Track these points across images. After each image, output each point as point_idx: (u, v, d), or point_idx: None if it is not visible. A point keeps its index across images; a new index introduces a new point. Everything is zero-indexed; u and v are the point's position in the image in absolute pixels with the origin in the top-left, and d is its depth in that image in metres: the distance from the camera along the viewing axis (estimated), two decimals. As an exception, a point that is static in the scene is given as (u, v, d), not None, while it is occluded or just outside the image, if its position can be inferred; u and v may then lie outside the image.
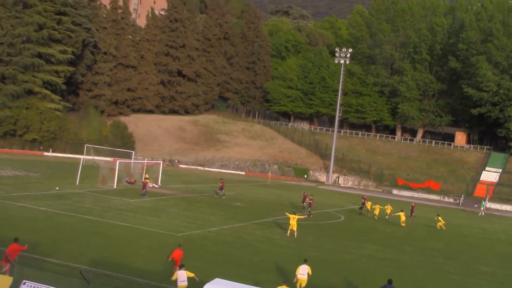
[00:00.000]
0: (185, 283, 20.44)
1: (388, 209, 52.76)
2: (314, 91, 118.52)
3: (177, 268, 22.21)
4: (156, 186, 57.37)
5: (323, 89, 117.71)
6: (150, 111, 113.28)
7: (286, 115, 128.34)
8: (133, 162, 67.07)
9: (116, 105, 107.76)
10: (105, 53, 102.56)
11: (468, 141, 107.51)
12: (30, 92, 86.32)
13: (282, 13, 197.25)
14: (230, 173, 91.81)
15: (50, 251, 25.35)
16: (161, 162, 66.83)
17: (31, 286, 16.71)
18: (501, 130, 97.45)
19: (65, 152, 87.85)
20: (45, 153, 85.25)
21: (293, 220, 36.11)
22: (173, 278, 20.53)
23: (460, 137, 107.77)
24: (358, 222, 48.68)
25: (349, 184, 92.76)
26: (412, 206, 56.95)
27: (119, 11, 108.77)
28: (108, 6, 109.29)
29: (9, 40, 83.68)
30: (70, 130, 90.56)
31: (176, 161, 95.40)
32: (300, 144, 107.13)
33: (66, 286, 17.26)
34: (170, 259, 23.82)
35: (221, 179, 59.08)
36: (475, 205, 74.94)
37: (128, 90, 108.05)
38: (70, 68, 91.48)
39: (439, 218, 49.77)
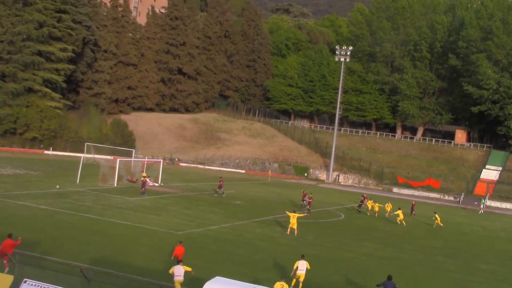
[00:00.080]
0: (181, 278, 20.66)
1: (388, 207, 52.79)
2: (314, 89, 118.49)
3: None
4: (156, 184, 57.41)
5: (324, 87, 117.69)
6: (151, 109, 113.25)
7: (287, 113, 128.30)
8: (134, 161, 67.17)
9: (117, 103, 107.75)
10: (105, 51, 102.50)
11: (468, 139, 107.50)
12: (30, 90, 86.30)
13: (283, 11, 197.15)
14: (230, 171, 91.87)
15: (50, 249, 25.40)
16: (162, 161, 66.88)
17: (32, 285, 16.76)
18: (501, 128, 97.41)
19: (65, 151, 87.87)
20: (46, 152, 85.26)
21: (293, 219, 36.17)
22: (170, 271, 20.74)
23: (460, 135, 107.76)
24: (358, 221, 48.73)
25: (350, 182, 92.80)
26: (413, 204, 56.98)
27: (120, 9, 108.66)
28: (109, 4, 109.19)
29: (9, 38, 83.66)
30: (70, 129, 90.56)
31: (176, 160, 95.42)
32: (300, 142, 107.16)
33: (67, 285, 17.31)
34: (173, 257, 24.00)
35: (220, 177, 59.15)
36: (475, 203, 75.03)
37: (129, 88, 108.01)
38: (71, 66, 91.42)
39: (436, 215, 49.86)
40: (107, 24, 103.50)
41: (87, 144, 79.56)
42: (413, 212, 55.41)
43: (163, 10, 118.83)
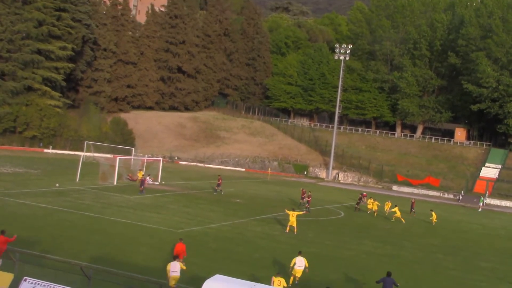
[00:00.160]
0: (177, 274, 20.86)
1: (387, 205, 52.70)
2: (314, 87, 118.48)
3: (180, 260, 22.66)
4: (156, 183, 57.43)
5: (323, 85, 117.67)
6: (150, 108, 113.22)
7: (286, 112, 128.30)
8: (133, 159, 67.16)
9: (116, 102, 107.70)
10: (105, 50, 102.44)
11: (468, 137, 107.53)
12: (29, 89, 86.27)
13: (282, 9, 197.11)
14: (230, 169, 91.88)
15: (50, 248, 25.43)
16: (161, 159, 66.89)
17: (32, 283, 16.76)
18: (501, 126, 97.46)
19: (65, 149, 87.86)
20: (45, 150, 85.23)
21: (292, 217, 36.22)
22: (168, 268, 20.94)
23: (460, 133, 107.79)
24: (357, 219, 48.78)
25: (349, 180, 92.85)
26: (412, 202, 57.03)
27: (119, 7, 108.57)
28: (108, 3, 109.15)
29: (9, 36, 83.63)
30: (70, 127, 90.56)
31: (176, 158, 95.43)
32: (300, 141, 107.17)
33: (67, 283, 17.30)
34: (175, 255, 24.08)
35: (219, 175, 59.17)
36: (474, 200, 75.12)
37: (128, 86, 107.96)
38: (70, 65, 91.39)
39: (433, 213, 49.92)
40: (106, 22, 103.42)
41: (86, 143, 79.53)
42: (413, 210, 55.46)
43: (162, 9, 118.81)
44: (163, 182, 58.32)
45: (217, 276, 16.10)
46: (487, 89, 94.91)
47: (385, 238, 39.68)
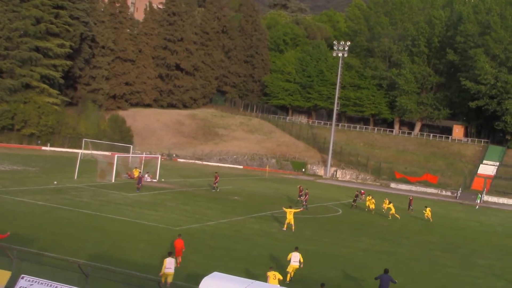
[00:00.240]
0: (172, 271, 21.07)
1: (385, 203, 52.57)
2: (312, 84, 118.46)
3: (179, 256, 22.92)
4: (154, 180, 57.43)
5: (321, 82, 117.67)
6: (148, 105, 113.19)
7: (284, 109, 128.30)
8: (132, 156, 67.18)
9: (114, 99, 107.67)
10: (103, 47, 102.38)
11: (466, 134, 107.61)
12: (27, 86, 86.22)
13: (280, 7, 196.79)
14: (228, 167, 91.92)
15: (48, 245, 25.45)
16: (159, 156, 66.88)
17: (29, 281, 16.79)
18: (499, 123, 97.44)
19: (63, 147, 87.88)
20: (43, 148, 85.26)
21: (290, 214, 36.26)
22: (164, 264, 21.12)
23: (458, 130, 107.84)
24: (355, 216, 48.82)
25: (347, 177, 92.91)
26: (410, 199, 57.00)
27: (117, 4, 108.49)
28: (106, 0, 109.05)
29: (6, 34, 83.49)
30: (68, 125, 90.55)
31: (174, 155, 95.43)
32: (298, 138, 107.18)
33: (65, 280, 17.33)
34: (172, 251, 24.24)
35: (216, 172, 59.18)
36: (472, 196, 75.25)
37: (126, 84, 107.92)
38: (68, 62, 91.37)
39: (427, 209, 50.00)
40: (104, 20, 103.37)
41: (85, 140, 79.64)
42: (411, 207, 55.44)
43: (160, 6, 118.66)
44: (163, 180, 58.31)
45: (215, 273, 16.14)
46: (485, 86, 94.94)
47: (382, 235, 39.74)
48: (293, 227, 36.12)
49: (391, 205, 49.29)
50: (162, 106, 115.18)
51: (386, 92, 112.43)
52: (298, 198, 51.79)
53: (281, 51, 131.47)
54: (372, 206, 51.87)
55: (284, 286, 19.38)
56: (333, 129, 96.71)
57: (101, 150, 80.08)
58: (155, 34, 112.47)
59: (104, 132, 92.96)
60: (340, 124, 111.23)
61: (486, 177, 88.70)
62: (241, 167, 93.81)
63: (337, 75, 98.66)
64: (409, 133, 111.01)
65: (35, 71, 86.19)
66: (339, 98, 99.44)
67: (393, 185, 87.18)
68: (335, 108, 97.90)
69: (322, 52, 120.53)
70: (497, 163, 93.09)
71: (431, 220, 49.44)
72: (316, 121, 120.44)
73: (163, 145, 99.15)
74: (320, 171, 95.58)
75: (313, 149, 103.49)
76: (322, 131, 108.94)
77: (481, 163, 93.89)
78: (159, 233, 31.21)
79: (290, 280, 23.90)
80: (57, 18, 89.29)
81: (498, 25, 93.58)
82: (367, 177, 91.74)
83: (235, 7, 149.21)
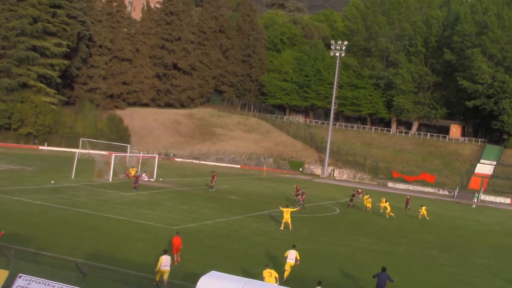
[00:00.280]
0: (168, 268, 21.25)
1: (382, 202, 52.56)
2: (309, 84, 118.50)
3: (175, 255, 22.98)
4: (152, 180, 57.38)
5: (319, 82, 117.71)
6: (146, 105, 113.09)
7: (282, 108, 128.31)
8: (129, 156, 67.11)
9: (112, 99, 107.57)
10: (100, 46, 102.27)
11: (463, 134, 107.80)
12: (24, 86, 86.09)
13: (278, 6, 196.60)
14: (225, 166, 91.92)
15: (45, 245, 25.41)
16: (157, 156, 66.79)
17: (27, 280, 16.77)
18: (496, 122, 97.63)
19: (60, 146, 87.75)
20: (40, 147, 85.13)
21: (287, 214, 36.26)
22: (160, 261, 21.29)
23: (455, 130, 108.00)
24: (352, 215, 48.85)
25: (345, 177, 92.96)
26: (407, 198, 57.00)
27: (114, 4, 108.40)
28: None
29: (3, 33, 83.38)
30: (65, 124, 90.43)
31: (171, 155, 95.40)
32: (295, 137, 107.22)
33: (62, 280, 17.32)
34: (174, 252, 24.44)
35: (213, 171, 59.12)
36: (470, 195, 75.37)
37: (124, 83, 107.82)
38: (65, 62, 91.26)
39: (423, 208, 50.05)
40: (102, 19, 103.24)
41: (82, 140, 79.48)
42: (408, 207, 55.47)
43: (158, 5, 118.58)
44: (161, 179, 58.25)
45: (213, 272, 16.13)
46: (482, 85, 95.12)
47: (380, 234, 39.77)
48: (290, 226, 36.13)
49: (387, 204, 49.36)
50: (159, 106, 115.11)
51: (384, 91, 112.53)
52: (295, 198, 51.79)
53: (279, 50, 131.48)
54: (368, 205, 51.89)
55: (282, 285, 19.40)
56: (330, 129, 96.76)
57: (98, 149, 79.97)
58: (152, 33, 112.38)
59: (101, 132, 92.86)
60: (337, 124, 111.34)
61: (483, 176, 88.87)
62: (239, 166, 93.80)
63: (334, 75, 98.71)
64: (406, 133, 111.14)
65: (32, 71, 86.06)
66: (336, 97, 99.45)
67: (390, 184, 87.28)
68: (333, 107, 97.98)
69: (319, 51, 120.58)
70: (494, 163, 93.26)
71: (428, 218, 49.53)
72: (314, 120, 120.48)
73: (161, 144, 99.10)
74: (318, 170, 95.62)
75: (311, 148, 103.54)
76: (319, 130, 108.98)
77: (478, 162, 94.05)
78: (156, 233, 31.19)
79: (285, 279, 23.86)
80: (54, 17, 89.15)
81: (495, 25, 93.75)
82: (365, 177, 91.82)
83: (232, 6, 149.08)
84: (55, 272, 19.57)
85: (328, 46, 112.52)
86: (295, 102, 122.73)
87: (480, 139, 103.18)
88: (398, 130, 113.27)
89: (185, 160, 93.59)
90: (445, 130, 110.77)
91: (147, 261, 24.59)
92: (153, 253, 25.98)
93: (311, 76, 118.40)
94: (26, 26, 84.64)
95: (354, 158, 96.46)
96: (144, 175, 56.28)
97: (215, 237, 31.96)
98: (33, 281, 16.72)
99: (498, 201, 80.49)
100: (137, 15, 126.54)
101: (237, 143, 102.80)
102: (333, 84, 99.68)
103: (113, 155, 57.84)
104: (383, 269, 21.95)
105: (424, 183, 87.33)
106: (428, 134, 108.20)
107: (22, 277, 16.86)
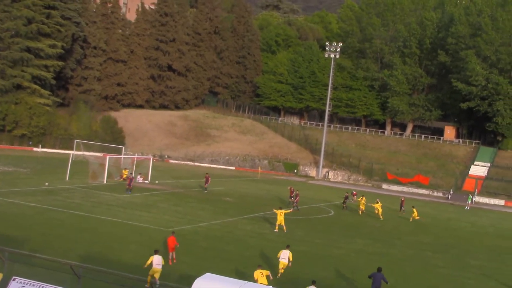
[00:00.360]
0: (160, 267, 21.53)
1: (376, 203, 52.42)
2: (304, 85, 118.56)
3: (171, 254, 23.18)
4: (146, 181, 57.29)
5: (313, 83, 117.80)
6: (140, 106, 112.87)
7: (276, 110, 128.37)
8: (123, 158, 66.99)
9: (106, 100, 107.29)
10: (94, 48, 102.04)
11: (457, 136, 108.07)
12: (19, 87, 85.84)
13: (272, 7, 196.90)
14: (220, 168, 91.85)
15: (39, 247, 25.35)
16: (151, 157, 66.76)
17: (21, 282, 16.70)
18: (490, 124, 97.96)
19: (54, 148, 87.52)
20: (35, 149, 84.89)
21: (280, 216, 36.27)
22: (149, 261, 21.59)
23: (449, 132, 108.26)
24: (347, 217, 48.91)
25: (339, 178, 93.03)
26: (402, 200, 57.07)
27: (109, 5, 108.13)
28: (98, 0, 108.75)
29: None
30: (59, 126, 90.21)
31: (166, 156, 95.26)
32: (290, 139, 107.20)
33: (57, 282, 17.26)
34: (169, 249, 24.52)
35: (206, 173, 59.07)
36: (464, 196, 75.56)
37: (118, 85, 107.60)
38: (60, 63, 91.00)
39: (414, 209, 50.14)
40: (96, 20, 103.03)
41: (76, 141, 79.28)
42: (402, 209, 55.54)
43: (152, 7, 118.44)
44: (157, 182, 58.12)
45: (207, 274, 16.12)
46: (476, 87, 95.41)
47: (375, 236, 39.84)
48: (284, 228, 36.13)
49: (378, 205, 49.41)
50: (154, 107, 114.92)
51: (378, 93, 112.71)
52: (290, 199, 51.81)
53: (273, 52, 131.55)
54: (362, 207, 51.91)
55: (276, 286, 19.37)
56: (325, 130, 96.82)
57: (93, 151, 79.79)
58: (147, 34, 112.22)
59: (96, 133, 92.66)
60: (332, 125, 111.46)
61: (477, 178, 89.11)
62: (233, 168, 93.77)
63: (329, 76, 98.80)
64: (401, 134, 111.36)
65: (27, 72, 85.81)
66: (331, 99, 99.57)
67: (385, 186, 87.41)
68: (327, 109, 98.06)
69: (314, 53, 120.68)
70: (488, 164, 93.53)
71: (417, 218, 49.43)
72: (308, 122, 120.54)
73: (155, 146, 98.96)
74: (312, 172, 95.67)
75: (305, 150, 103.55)
76: (314, 132, 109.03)
77: (472, 164, 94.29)
78: (150, 234, 31.15)
79: (276, 277, 23.87)
80: (48, 19, 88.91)
81: (489, 27, 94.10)
82: (359, 178, 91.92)
83: (227, 8, 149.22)
84: (49, 274, 19.52)
85: (322, 48, 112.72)
86: (289, 103, 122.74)
87: (474, 141, 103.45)
88: (392, 131, 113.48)
89: (179, 161, 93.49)
90: (440, 132, 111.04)
91: (141, 263, 24.48)
92: (147, 255, 25.81)
93: (305, 78, 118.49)
94: (21, 27, 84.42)
95: (349, 160, 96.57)
96: (138, 177, 56.20)
97: (209, 239, 31.95)
98: (27, 283, 16.64)
99: (492, 203, 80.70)
100: (131, 16, 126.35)
101: (232, 144, 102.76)
102: (327, 85, 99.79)
103: (108, 156, 57.74)
104: (379, 269, 22.05)
105: (418, 185, 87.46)
106: (423, 135, 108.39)
107: (16, 279, 16.78)
